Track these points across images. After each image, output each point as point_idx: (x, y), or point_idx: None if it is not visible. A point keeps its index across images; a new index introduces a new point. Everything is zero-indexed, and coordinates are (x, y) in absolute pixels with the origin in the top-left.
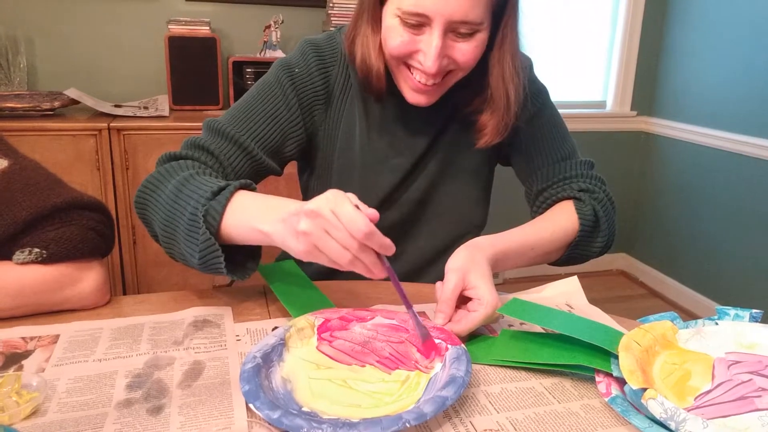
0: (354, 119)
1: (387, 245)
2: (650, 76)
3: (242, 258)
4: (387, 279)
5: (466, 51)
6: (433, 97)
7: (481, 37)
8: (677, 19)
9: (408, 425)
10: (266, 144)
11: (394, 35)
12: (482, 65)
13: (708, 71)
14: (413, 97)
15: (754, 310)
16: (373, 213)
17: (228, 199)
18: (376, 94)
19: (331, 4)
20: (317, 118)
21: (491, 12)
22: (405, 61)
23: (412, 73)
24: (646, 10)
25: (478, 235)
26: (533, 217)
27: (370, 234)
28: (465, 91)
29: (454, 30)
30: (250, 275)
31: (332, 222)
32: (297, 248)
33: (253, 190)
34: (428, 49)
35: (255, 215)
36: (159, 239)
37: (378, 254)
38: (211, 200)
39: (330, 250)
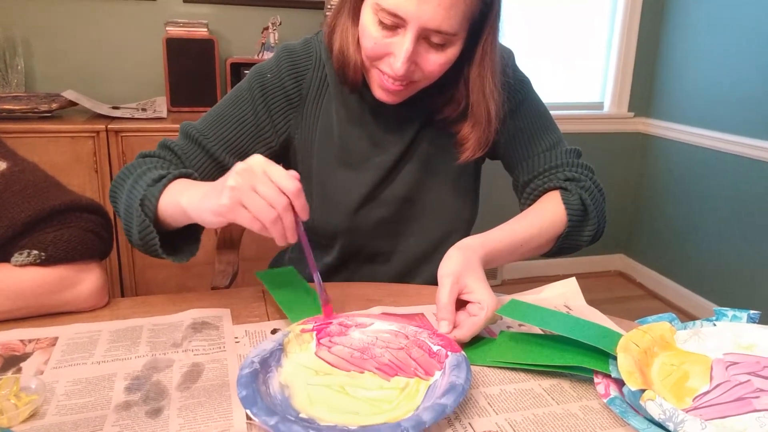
0: (331, 119)
1: (306, 207)
2: (648, 78)
3: (184, 243)
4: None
5: (433, 62)
6: (400, 98)
7: (452, 52)
8: (675, 20)
9: None
10: (232, 148)
11: (367, 36)
12: (454, 76)
13: (705, 72)
14: (380, 95)
15: (751, 311)
16: (297, 174)
17: (165, 186)
18: (351, 86)
19: (328, 6)
20: (292, 122)
21: (468, 27)
22: (375, 63)
23: (381, 72)
24: (644, 11)
25: (468, 229)
26: (522, 209)
27: (298, 192)
28: (438, 96)
29: (426, 38)
30: (188, 258)
31: (262, 179)
32: (220, 203)
33: (194, 179)
34: (399, 52)
35: (180, 192)
36: (124, 228)
37: (296, 219)
38: (151, 186)
39: (255, 206)
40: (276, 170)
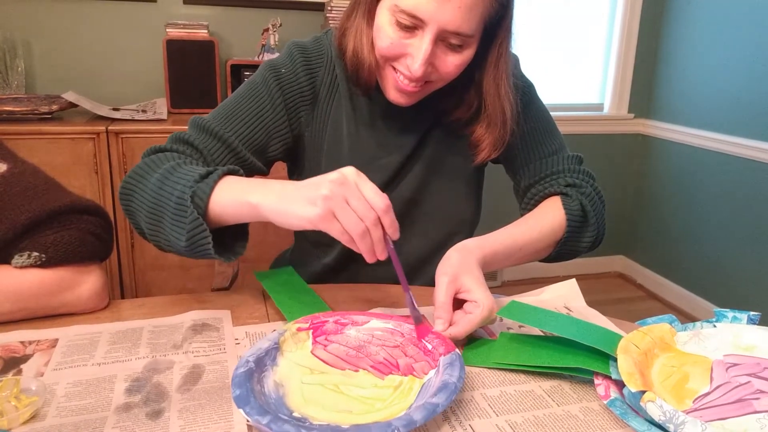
0: (341, 119)
1: (396, 227)
2: (647, 79)
3: (230, 241)
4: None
5: (450, 63)
6: (414, 99)
7: (468, 53)
8: (674, 21)
9: None
10: (251, 143)
11: (384, 36)
12: (466, 77)
13: (705, 74)
14: (395, 96)
15: (751, 313)
16: (386, 195)
17: (216, 182)
18: (364, 88)
19: (329, 8)
20: (303, 119)
21: (483, 29)
22: (391, 63)
23: (396, 73)
24: (643, 13)
25: (470, 232)
26: (522, 213)
27: (388, 209)
28: (448, 99)
29: (444, 39)
30: (237, 257)
31: (354, 192)
32: (312, 212)
33: (240, 176)
34: (417, 53)
35: (244, 190)
36: (143, 228)
37: (384, 236)
38: (198, 182)
39: (346, 217)
40: (367, 185)
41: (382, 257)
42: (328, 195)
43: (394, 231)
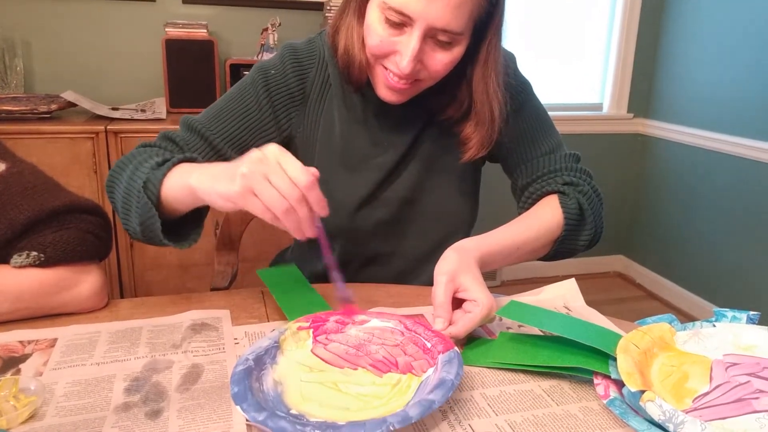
0: (333, 118)
1: (323, 204)
2: (647, 79)
3: (190, 228)
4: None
5: (439, 61)
6: (404, 97)
7: (457, 51)
8: (674, 21)
9: (392, 428)
10: (235, 142)
11: (373, 33)
12: (458, 76)
13: (704, 73)
14: (385, 94)
15: (751, 312)
16: (315, 171)
17: (169, 169)
18: (356, 85)
19: (328, 8)
20: (294, 120)
21: (473, 27)
22: (381, 61)
23: (386, 71)
24: (643, 13)
25: (468, 231)
26: (519, 212)
27: (312, 185)
28: (439, 97)
29: (433, 36)
30: (191, 244)
31: (275, 169)
32: (230, 189)
33: (199, 163)
34: (405, 50)
35: (188, 174)
36: (121, 216)
37: (311, 213)
38: (155, 170)
39: (267, 195)
40: (290, 161)
41: (310, 235)
42: (246, 172)
43: (321, 208)
